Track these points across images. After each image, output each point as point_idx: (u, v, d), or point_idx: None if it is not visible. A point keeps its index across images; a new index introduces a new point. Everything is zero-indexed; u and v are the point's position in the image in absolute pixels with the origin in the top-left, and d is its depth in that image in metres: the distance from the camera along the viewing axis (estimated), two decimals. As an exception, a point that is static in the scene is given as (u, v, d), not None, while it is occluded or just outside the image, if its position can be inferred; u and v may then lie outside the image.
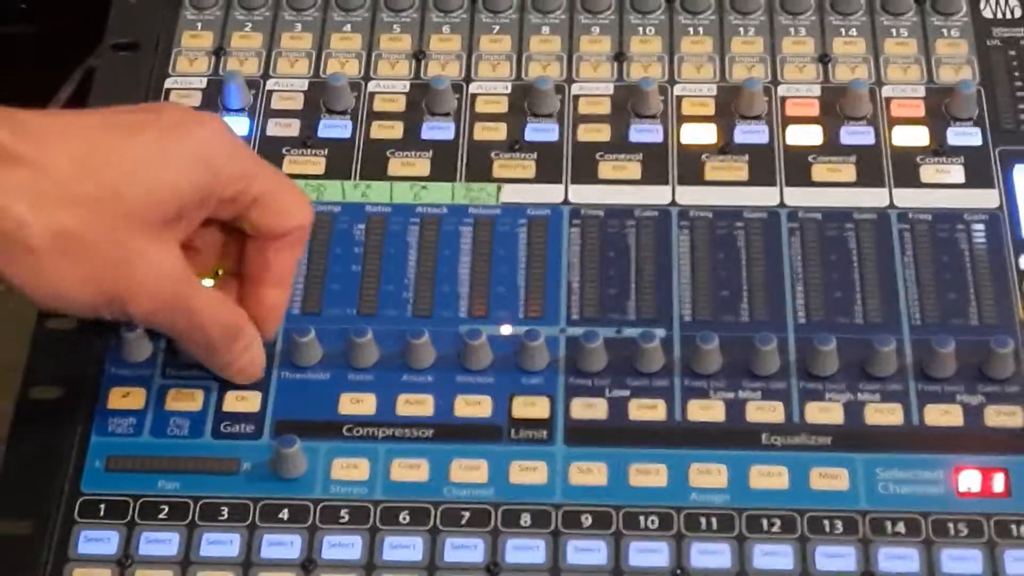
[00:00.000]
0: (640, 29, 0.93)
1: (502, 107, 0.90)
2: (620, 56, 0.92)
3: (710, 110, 0.89)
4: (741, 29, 0.93)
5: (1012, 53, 0.91)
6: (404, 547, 0.75)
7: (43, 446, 0.78)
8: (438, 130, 0.89)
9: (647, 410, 0.79)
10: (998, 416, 0.78)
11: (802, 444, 0.78)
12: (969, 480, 0.76)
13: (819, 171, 0.87)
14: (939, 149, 0.87)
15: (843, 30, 0.92)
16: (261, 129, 0.89)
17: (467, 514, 0.76)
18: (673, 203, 0.86)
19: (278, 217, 0.77)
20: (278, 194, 0.77)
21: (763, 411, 0.79)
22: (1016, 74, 0.90)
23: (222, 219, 0.77)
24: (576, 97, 0.90)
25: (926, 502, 0.76)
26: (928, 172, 0.87)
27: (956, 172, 0.87)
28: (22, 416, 0.79)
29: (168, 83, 0.91)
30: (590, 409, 0.79)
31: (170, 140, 0.73)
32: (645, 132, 0.89)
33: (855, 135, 0.88)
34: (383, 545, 0.75)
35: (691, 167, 0.87)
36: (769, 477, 0.76)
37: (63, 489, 0.77)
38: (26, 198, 0.69)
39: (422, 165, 0.88)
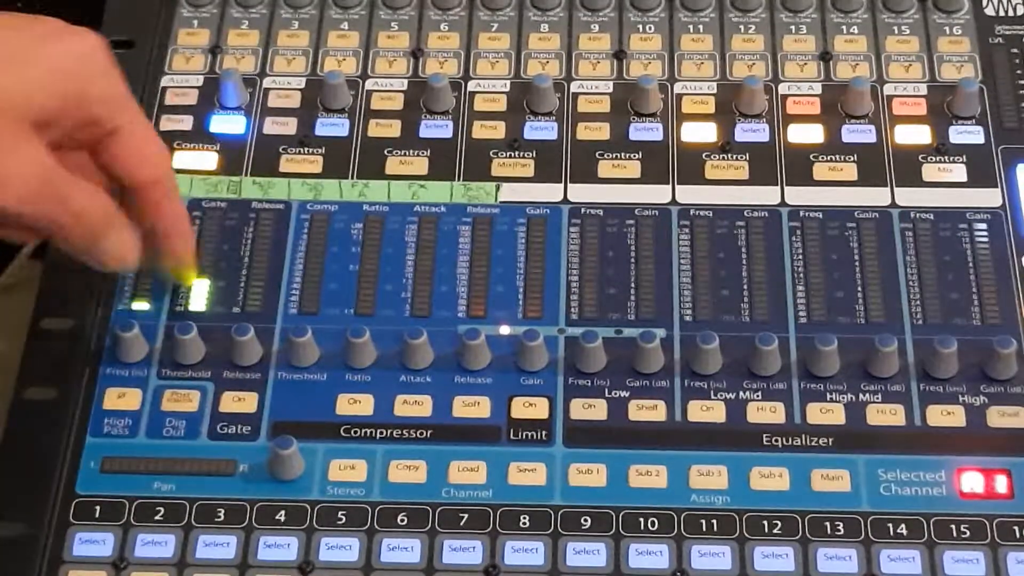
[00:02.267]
0: (640, 27, 0.92)
1: (501, 105, 0.89)
2: (620, 54, 0.91)
3: (710, 108, 0.89)
4: (741, 27, 0.92)
5: (1014, 51, 0.91)
6: (402, 549, 0.75)
7: (38, 447, 0.77)
8: (436, 128, 0.89)
9: (647, 411, 0.78)
10: (1001, 417, 0.78)
11: (803, 445, 0.77)
12: (972, 481, 0.76)
13: (820, 170, 0.86)
14: (941, 148, 0.87)
15: (844, 28, 0.92)
16: (258, 127, 0.89)
17: (466, 516, 0.75)
18: (673, 202, 0.85)
19: (133, 159, 0.76)
20: (139, 136, 0.77)
21: (764, 412, 0.78)
22: (1018, 72, 0.90)
23: (79, 141, 0.76)
24: (575, 95, 0.90)
25: (928, 503, 0.75)
26: (930, 171, 0.86)
27: (958, 171, 0.86)
28: (17, 416, 0.78)
29: (164, 81, 0.91)
30: (589, 410, 0.78)
31: (42, 44, 0.73)
32: (645, 131, 0.88)
33: (856, 133, 0.88)
34: (381, 547, 0.75)
35: (691, 166, 0.87)
36: (770, 478, 0.76)
37: (58, 490, 0.76)
38: None
39: (420, 164, 0.87)
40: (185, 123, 0.89)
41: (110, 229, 0.76)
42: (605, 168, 0.87)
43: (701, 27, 0.92)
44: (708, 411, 0.78)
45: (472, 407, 0.79)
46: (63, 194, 0.73)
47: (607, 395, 0.79)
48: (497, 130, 0.88)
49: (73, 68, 0.73)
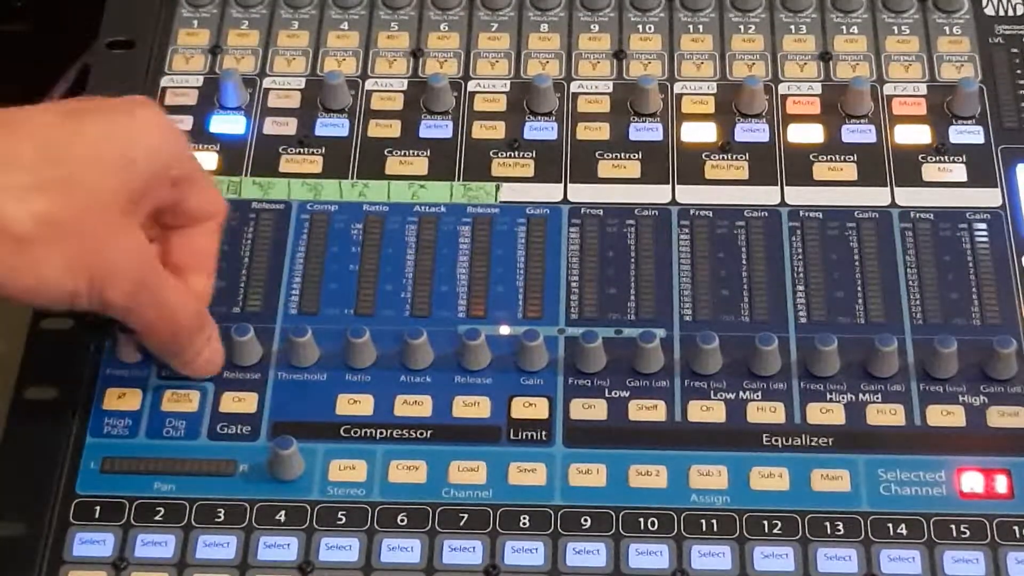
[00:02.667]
0: (640, 27, 0.92)
1: (501, 105, 0.89)
2: (620, 54, 0.91)
3: (710, 108, 0.89)
4: (741, 27, 0.92)
5: (1014, 51, 0.91)
6: (402, 549, 0.74)
7: (38, 447, 0.77)
8: (436, 129, 0.88)
9: (647, 411, 0.78)
10: (1001, 417, 0.78)
11: (803, 445, 0.77)
12: (972, 481, 0.76)
13: (820, 170, 0.86)
14: (941, 147, 0.87)
15: (844, 28, 0.92)
16: (258, 128, 0.89)
17: (465, 516, 0.75)
18: (673, 202, 0.85)
19: (211, 198, 0.78)
20: (205, 180, 0.78)
21: (764, 412, 0.78)
22: (1018, 72, 0.90)
23: (163, 204, 0.76)
24: (575, 95, 0.90)
25: (928, 503, 0.75)
26: (930, 171, 0.86)
27: (958, 171, 0.86)
28: (17, 416, 0.78)
29: (164, 81, 0.90)
30: (589, 410, 0.78)
31: (120, 121, 0.73)
32: (645, 131, 0.88)
33: (856, 133, 0.88)
34: (381, 547, 0.75)
35: (691, 166, 0.87)
36: (770, 478, 0.76)
37: (58, 490, 0.76)
38: (1, 190, 0.68)
39: (420, 164, 0.87)
40: (185, 123, 0.88)
41: (202, 332, 0.77)
42: (605, 168, 0.87)
43: (701, 27, 0.92)
44: (708, 411, 0.78)
45: (472, 407, 0.79)
46: (158, 288, 0.74)
47: (607, 395, 0.79)
48: (497, 130, 0.88)
49: (154, 143, 0.74)
